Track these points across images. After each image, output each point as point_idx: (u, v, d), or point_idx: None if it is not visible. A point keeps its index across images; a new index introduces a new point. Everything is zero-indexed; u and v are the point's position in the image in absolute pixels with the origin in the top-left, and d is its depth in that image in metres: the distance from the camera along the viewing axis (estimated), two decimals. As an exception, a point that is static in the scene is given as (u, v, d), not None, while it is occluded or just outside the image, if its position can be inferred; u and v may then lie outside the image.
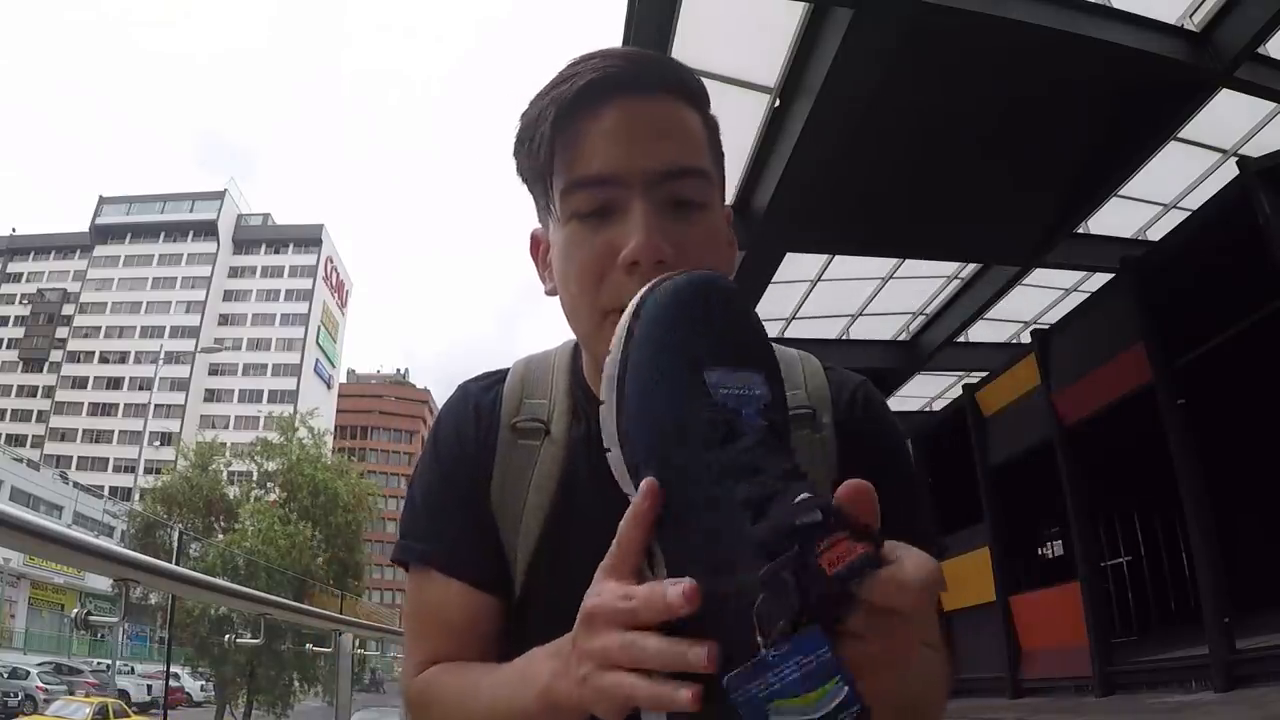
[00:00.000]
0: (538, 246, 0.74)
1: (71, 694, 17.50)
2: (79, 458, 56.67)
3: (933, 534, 0.71)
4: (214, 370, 62.76)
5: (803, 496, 0.41)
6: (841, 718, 0.39)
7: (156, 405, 41.35)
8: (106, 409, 59.21)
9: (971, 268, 8.65)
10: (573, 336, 0.75)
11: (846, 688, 0.39)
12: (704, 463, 0.46)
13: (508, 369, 0.79)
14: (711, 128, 0.70)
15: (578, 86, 0.63)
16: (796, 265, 7.94)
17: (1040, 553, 9.97)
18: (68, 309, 63.78)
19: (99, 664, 23.06)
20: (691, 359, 0.49)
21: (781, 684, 0.39)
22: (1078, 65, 5.34)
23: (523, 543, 0.70)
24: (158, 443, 48.09)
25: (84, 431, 59.06)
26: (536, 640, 0.74)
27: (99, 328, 62.73)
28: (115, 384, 60.06)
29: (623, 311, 0.59)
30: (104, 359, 61.53)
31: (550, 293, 0.71)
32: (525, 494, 0.71)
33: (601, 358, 0.64)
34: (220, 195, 67.04)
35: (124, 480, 47.76)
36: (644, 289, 0.53)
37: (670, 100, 0.66)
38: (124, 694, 18.68)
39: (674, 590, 0.43)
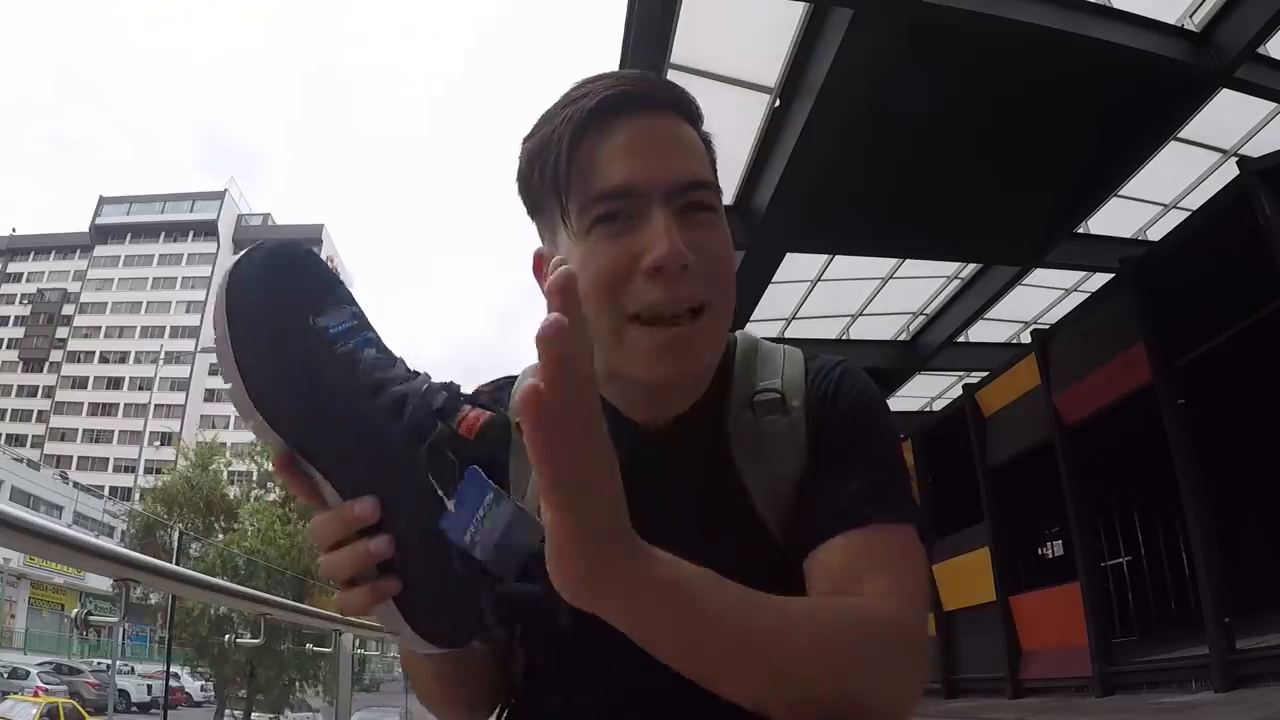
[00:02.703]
0: (541, 267, 0.74)
1: (73, 694, 17.50)
2: (79, 458, 56.66)
3: (901, 505, 0.68)
4: (214, 370, 62.40)
5: (427, 385, 0.55)
6: (503, 510, 0.51)
7: (156, 405, 41.37)
8: (106, 409, 59.21)
9: (971, 268, 8.65)
10: None
11: (501, 495, 0.51)
12: (343, 398, 0.54)
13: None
14: (708, 144, 0.74)
15: (591, 105, 0.66)
16: (796, 265, 7.94)
17: (1040, 553, 9.96)
18: (68, 309, 63.76)
19: (99, 664, 23.05)
20: (300, 312, 0.55)
21: (471, 516, 0.51)
22: (1078, 65, 5.33)
23: None
24: (158, 443, 48.09)
25: (84, 431, 59.05)
26: (534, 637, 0.76)
27: (99, 328, 62.71)
28: (115, 384, 60.05)
29: (643, 317, 0.65)
30: (104, 359, 61.51)
31: None
32: (525, 490, 0.74)
33: (618, 366, 0.69)
34: (220, 195, 67.05)
35: (124, 480, 47.80)
36: (231, 265, 0.57)
37: (675, 117, 0.70)
38: (124, 694, 18.69)
39: (360, 505, 0.53)
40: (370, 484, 0.54)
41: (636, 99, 0.67)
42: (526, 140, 0.71)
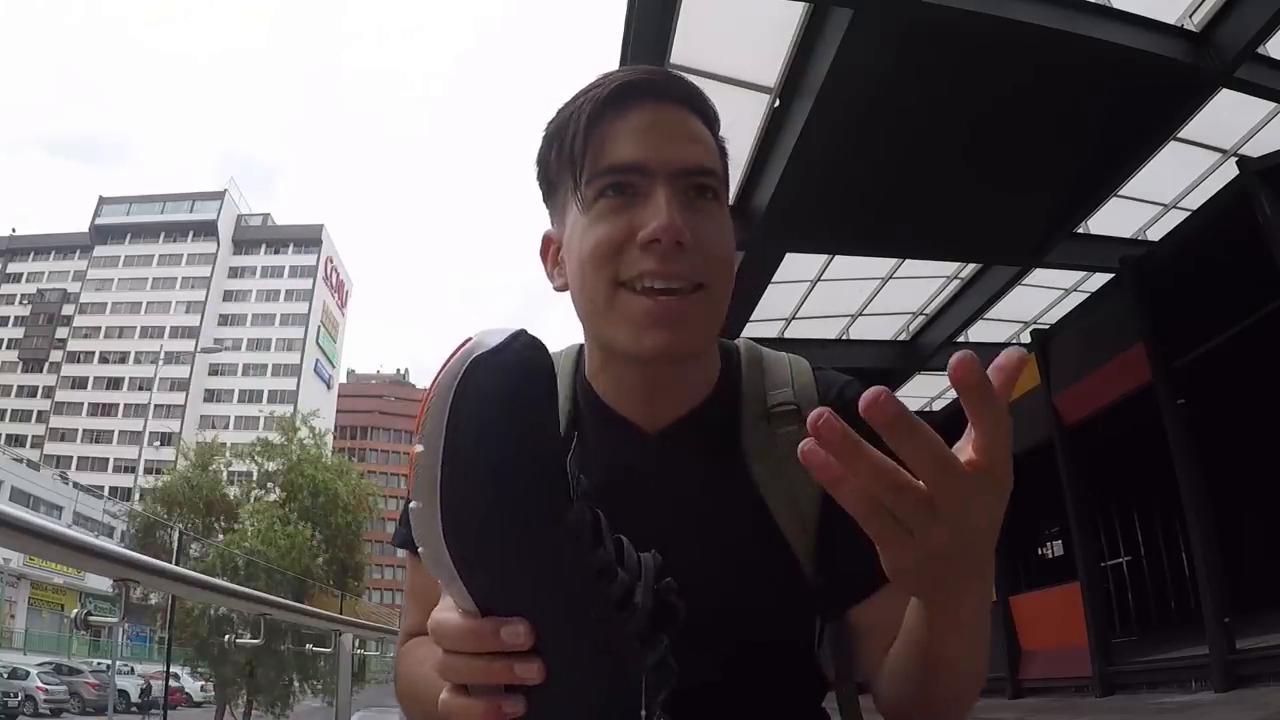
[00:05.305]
0: (548, 247, 0.77)
1: (73, 694, 17.49)
2: (79, 458, 56.62)
3: None
4: (214, 370, 62.72)
5: (666, 581, 0.48)
6: None
7: (156, 405, 41.34)
8: (106, 409, 59.17)
9: (971, 268, 8.64)
10: (580, 341, 0.79)
11: None
12: (577, 567, 0.45)
13: None
14: (722, 151, 0.76)
15: (610, 88, 0.70)
16: (796, 265, 7.93)
17: (1040, 553, 9.97)
18: (68, 309, 63.73)
19: (99, 664, 23.03)
20: (542, 447, 0.45)
21: None
22: (1077, 65, 5.33)
23: None
24: (158, 443, 48.06)
25: (84, 431, 59.01)
26: None
27: (99, 328, 62.68)
28: (115, 384, 60.02)
29: (635, 285, 0.66)
30: (104, 359, 61.48)
31: (560, 288, 0.75)
32: None
33: (608, 338, 0.70)
34: (220, 195, 67.04)
35: (124, 480, 47.73)
36: (460, 360, 0.45)
37: (690, 113, 0.72)
38: (124, 694, 18.68)
39: (513, 631, 0.45)
40: (534, 619, 0.45)
41: (655, 88, 0.71)
42: (548, 126, 0.74)
